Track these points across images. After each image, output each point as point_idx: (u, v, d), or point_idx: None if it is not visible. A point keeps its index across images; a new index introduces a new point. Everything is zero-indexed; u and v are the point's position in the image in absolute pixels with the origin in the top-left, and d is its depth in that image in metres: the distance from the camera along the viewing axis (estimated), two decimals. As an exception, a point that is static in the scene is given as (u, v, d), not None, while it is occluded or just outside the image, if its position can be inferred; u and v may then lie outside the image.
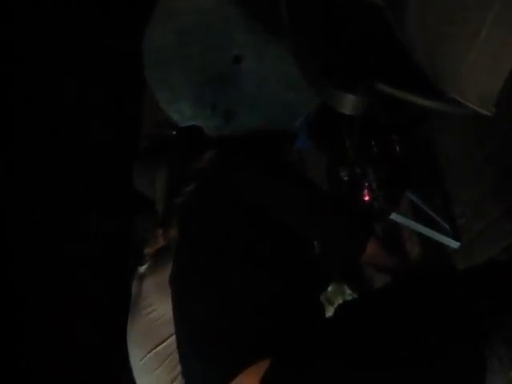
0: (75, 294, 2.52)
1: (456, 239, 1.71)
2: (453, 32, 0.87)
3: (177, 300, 1.30)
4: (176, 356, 1.79)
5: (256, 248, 1.25)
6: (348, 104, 1.11)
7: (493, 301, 1.12)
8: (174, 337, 1.59)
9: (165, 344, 1.81)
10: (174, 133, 2.10)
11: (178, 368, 1.85)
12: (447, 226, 1.73)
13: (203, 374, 1.15)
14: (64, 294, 2.49)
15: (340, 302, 1.80)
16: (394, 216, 1.71)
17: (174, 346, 1.70)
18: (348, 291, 1.95)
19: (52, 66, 2.47)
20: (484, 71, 0.88)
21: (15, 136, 2.44)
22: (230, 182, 1.35)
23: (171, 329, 1.62)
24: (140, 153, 1.83)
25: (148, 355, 1.84)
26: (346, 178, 1.71)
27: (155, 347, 1.83)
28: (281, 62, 1.92)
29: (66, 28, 2.40)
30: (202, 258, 1.27)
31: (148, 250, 2.07)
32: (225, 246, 1.25)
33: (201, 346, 1.17)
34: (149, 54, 2.09)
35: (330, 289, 1.88)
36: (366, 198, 1.67)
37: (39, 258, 2.49)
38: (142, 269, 1.94)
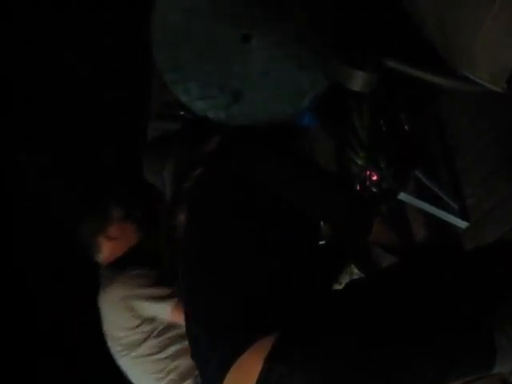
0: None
1: (464, 219, 1.71)
2: (466, 1, 0.85)
3: (185, 281, 1.31)
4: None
5: (263, 228, 1.26)
6: (357, 81, 1.10)
7: (502, 280, 1.12)
8: None
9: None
10: (182, 113, 2.09)
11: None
12: (456, 206, 1.73)
13: (210, 352, 1.16)
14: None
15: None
16: (402, 196, 1.70)
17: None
18: (356, 271, 1.96)
19: (66, 48, 2.48)
20: (497, 46, 0.87)
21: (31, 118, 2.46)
22: (236, 165, 1.36)
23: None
24: (147, 144, 1.85)
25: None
26: (353, 158, 1.70)
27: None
28: (290, 42, 1.89)
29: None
30: (209, 240, 1.28)
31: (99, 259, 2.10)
32: (232, 228, 1.26)
33: (207, 325, 1.19)
34: (156, 33, 2.07)
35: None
36: (374, 178, 1.66)
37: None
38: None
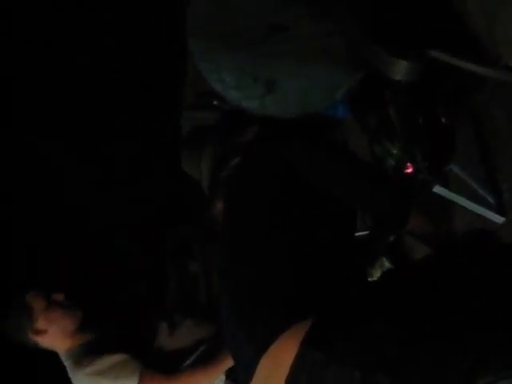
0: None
1: (501, 214, 1.69)
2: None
3: (221, 270, 1.33)
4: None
5: (300, 216, 1.27)
6: (399, 70, 1.09)
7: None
8: None
9: None
10: (216, 103, 2.10)
11: None
12: (492, 201, 1.70)
13: (245, 340, 1.17)
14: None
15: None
16: (437, 189, 1.68)
17: None
18: (387, 264, 1.94)
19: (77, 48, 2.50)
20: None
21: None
22: (273, 153, 1.36)
23: None
24: (185, 137, 1.85)
25: None
26: (388, 150, 1.68)
27: None
28: (326, 32, 1.88)
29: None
30: (246, 228, 1.29)
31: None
32: (269, 216, 1.27)
33: (243, 311, 1.19)
34: (191, 22, 2.08)
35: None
36: (410, 170, 1.64)
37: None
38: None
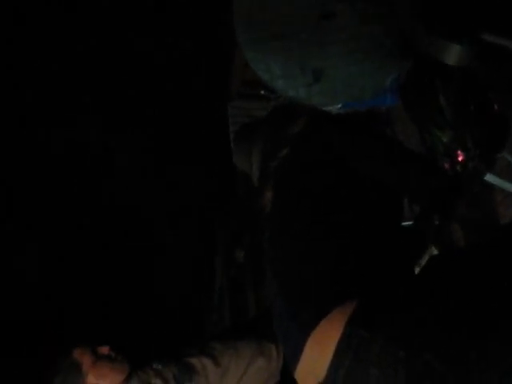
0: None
1: (554, 203, 1.65)
2: None
3: (270, 256, 1.35)
4: None
5: (347, 203, 1.28)
6: (454, 55, 1.08)
7: None
8: None
9: None
10: (263, 92, 2.12)
11: None
12: (545, 189, 1.67)
13: (292, 321, 1.19)
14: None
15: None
16: (488, 177, 1.65)
17: None
18: (435, 252, 1.92)
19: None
20: None
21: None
22: (321, 144, 1.38)
23: None
24: (236, 132, 1.87)
25: None
26: (439, 137, 1.67)
27: None
28: (374, 21, 1.87)
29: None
30: (293, 215, 1.31)
31: None
32: (316, 204, 1.28)
33: (291, 293, 1.22)
34: (238, 12, 2.10)
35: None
36: (461, 158, 1.62)
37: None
38: None
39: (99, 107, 2.56)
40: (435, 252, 1.91)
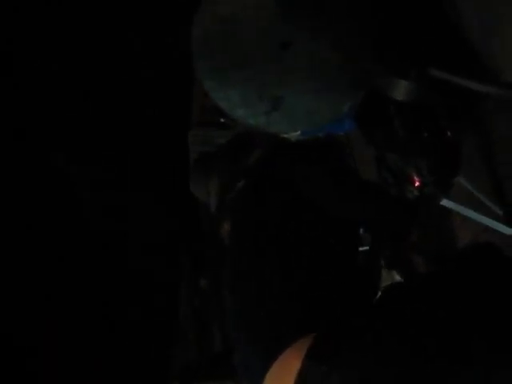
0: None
1: (509, 225, 1.68)
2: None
3: (229, 289, 1.35)
4: None
5: (304, 235, 1.29)
6: (401, 90, 1.10)
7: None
8: None
9: None
10: (222, 120, 2.13)
11: None
12: (500, 212, 1.70)
13: (252, 354, 1.19)
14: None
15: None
16: (445, 202, 1.69)
17: None
18: (397, 278, 1.95)
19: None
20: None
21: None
22: (277, 175, 1.40)
23: None
24: (194, 161, 1.88)
25: None
26: (395, 164, 1.69)
27: None
28: (329, 50, 1.90)
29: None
30: (252, 248, 1.31)
31: None
32: (274, 237, 1.29)
33: (249, 327, 1.22)
34: (196, 41, 2.11)
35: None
36: (416, 184, 1.65)
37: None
38: None
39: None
40: (397, 278, 1.94)
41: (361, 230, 1.46)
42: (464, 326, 1.06)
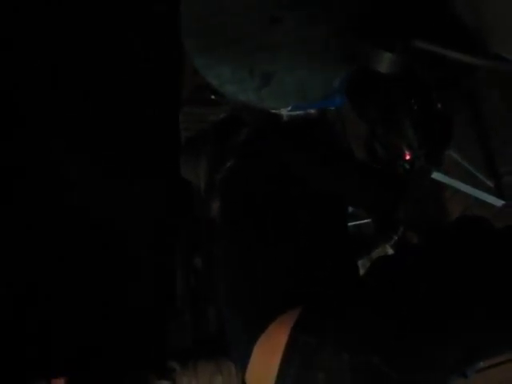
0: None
1: (500, 197, 1.69)
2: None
3: (220, 265, 1.36)
4: None
5: (293, 212, 1.30)
6: (385, 63, 1.09)
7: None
8: None
9: None
10: (213, 97, 2.11)
11: None
12: (491, 185, 1.70)
13: (240, 328, 1.21)
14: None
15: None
16: (436, 175, 1.69)
17: None
18: (391, 251, 1.95)
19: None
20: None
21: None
22: (266, 153, 1.40)
23: None
24: (183, 143, 1.87)
25: None
26: (385, 138, 1.69)
27: None
28: (317, 24, 1.88)
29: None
30: (241, 227, 1.33)
31: None
32: (263, 214, 1.31)
33: (238, 303, 1.23)
34: (185, 19, 2.08)
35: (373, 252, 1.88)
36: (407, 158, 1.64)
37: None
38: None
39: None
40: (390, 251, 1.94)
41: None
42: (451, 302, 1.07)
